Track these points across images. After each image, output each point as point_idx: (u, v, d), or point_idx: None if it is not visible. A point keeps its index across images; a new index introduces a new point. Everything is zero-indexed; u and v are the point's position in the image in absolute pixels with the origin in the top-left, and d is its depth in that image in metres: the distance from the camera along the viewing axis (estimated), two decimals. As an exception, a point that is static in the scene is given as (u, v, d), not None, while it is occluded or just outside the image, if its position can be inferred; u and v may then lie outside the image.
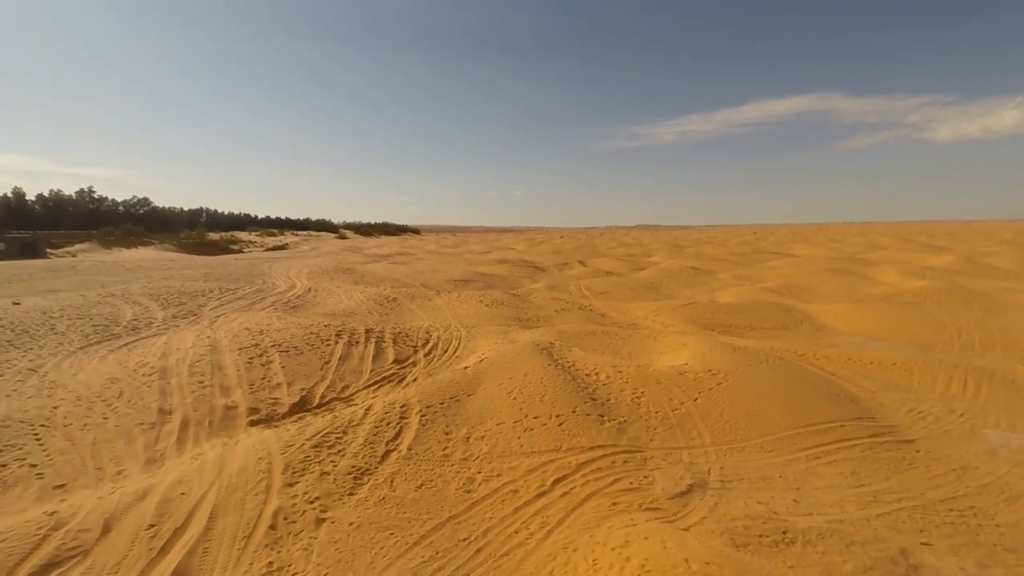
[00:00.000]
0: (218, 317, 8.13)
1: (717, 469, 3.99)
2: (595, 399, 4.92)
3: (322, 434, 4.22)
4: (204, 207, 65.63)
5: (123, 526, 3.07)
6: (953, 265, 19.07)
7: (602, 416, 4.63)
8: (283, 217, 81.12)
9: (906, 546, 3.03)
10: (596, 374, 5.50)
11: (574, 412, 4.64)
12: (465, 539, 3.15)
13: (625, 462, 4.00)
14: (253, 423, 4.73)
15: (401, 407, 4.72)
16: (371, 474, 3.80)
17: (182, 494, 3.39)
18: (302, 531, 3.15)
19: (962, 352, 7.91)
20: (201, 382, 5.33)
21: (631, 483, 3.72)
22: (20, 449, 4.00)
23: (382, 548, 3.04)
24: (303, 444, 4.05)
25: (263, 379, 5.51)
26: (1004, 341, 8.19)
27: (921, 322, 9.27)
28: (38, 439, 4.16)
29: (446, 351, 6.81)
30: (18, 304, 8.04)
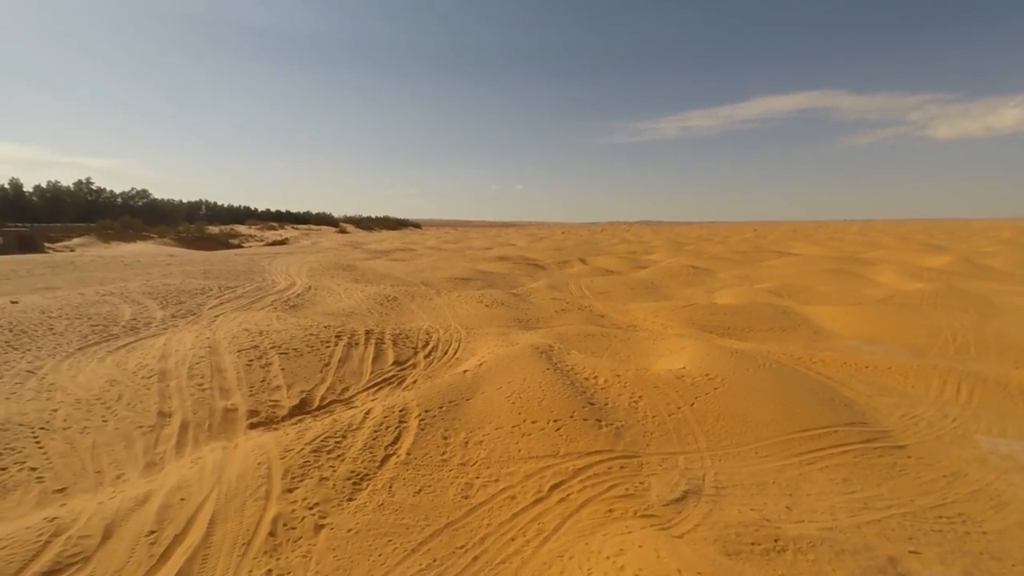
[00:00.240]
0: (217, 317, 8.14)
1: (712, 475, 4.04)
2: (593, 403, 4.96)
3: (321, 438, 4.25)
4: (203, 199, 65.53)
5: (123, 532, 3.10)
6: (951, 266, 19.13)
7: (600, 421, 4.67)
8: (283, 210, 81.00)
9: (895, 554, 3.08)
10: (595, 378, 5.53)
11: (572, 417, 4.68)
12: (462, 546, 3.19)
13: (622, 468, 4.05)
14: (253, 426, 4.77)
15: (400, 411, 4.75)
16: (370, 479, 3.83)
17: (182, 500, 3.43)
18: (301, 538, 3.19)
19: (957, 356, 7.97)
20: (200, 384, 5.36)
21: (627, 489, 3.76)
22: (20, 452, 4.03)
23: (380, 555, 3.08)
24: (302, 449, 4.08)
25: (263, 381, 5.54)
26: (999, 345, 8.25)
27: (917, 325, 9.33)
28: (38, 442, 4.19)
29: (446, 353, 6.85)
30: (16, 303, 8.04)
